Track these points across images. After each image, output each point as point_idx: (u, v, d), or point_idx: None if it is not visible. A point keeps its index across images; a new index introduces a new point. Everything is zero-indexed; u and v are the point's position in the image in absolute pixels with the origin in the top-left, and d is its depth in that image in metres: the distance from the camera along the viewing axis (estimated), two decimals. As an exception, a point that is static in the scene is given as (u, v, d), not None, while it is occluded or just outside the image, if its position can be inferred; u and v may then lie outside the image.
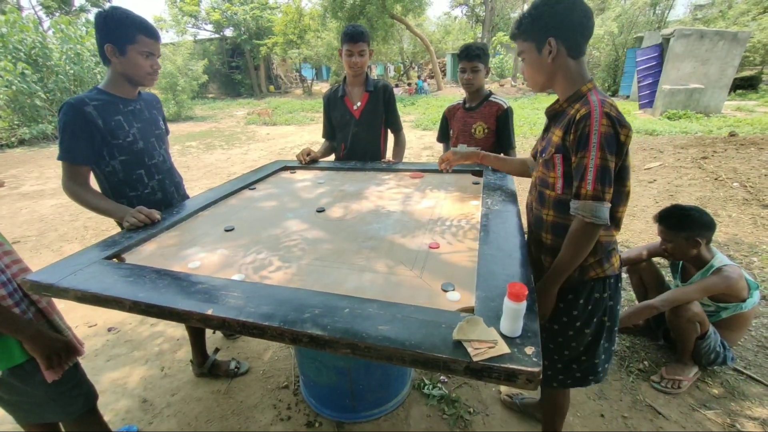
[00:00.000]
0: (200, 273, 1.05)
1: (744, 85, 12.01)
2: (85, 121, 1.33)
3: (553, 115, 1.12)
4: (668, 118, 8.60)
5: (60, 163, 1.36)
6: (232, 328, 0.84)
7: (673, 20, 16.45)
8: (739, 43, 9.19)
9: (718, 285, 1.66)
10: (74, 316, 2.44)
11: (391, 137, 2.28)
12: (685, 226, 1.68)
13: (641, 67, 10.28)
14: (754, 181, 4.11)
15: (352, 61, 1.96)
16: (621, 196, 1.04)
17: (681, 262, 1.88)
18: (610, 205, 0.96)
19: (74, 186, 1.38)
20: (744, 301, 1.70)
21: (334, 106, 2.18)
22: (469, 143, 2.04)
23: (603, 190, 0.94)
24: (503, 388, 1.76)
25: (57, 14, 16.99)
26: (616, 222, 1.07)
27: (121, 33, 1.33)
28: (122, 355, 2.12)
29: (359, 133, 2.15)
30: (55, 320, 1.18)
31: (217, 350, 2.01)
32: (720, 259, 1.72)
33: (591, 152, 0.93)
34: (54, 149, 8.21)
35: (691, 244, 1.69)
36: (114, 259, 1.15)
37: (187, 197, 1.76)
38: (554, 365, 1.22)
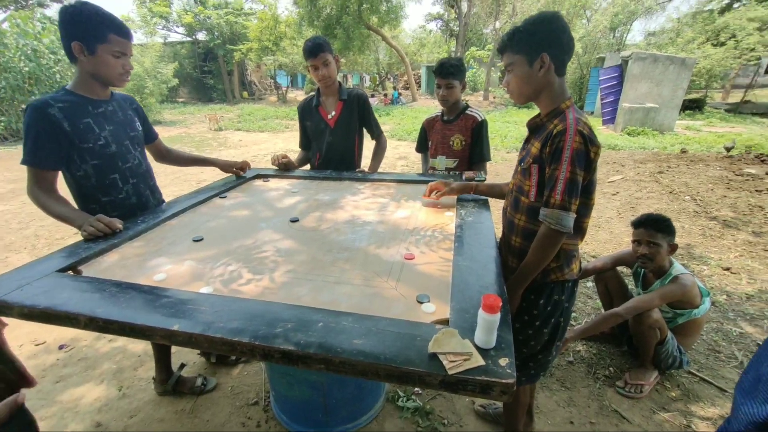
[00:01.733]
0: (166, 286, 1.00)
1: (692, 107, 13.03)
2: (50, 124, 1.26)
3: (535, 128, 1.19)
4: (628, 134, 9.17)
5: (24, 166, 1.29)
6: (200, 345, 0.80)
7: (631, 44, 17.66)
8: (687, 68, 10.00)
9: (675, 292, 1.76)
10: (19, 333, 2.25)
11: (367, 146, 2.29)
12: (671, 230, 1.80)
13: (604, 86, 10.94)
14: (702, 195, 4.44)
15: (319, 74, 1.96)
16: (586, 208, 1.12)
17: (642, 271, 1.98)
18: (575, 215, 1.04)
19: (38, 191, 1.31)
20: (697, 307, 1.82)
21: (308, 115, 2.17)
22: (448, 155, 2.08)
23: (570, 201, 1.02)
24: (477, 399, 1.78)
25: (11, 8, 15.98)
26: (581, 231, 1.16)
27: (91, 31, 1.25)
28: (74, 375, 1.97)
29: (334, 142, 2.14)
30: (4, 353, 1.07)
31: (182, 366, 1.90)
32: (677, 268, 1.83)
33: (563, 165, 1.01)
34: (4, 151, 7.65)
35: (671, 248, 1.81)
36: (69, 272, 1.07)
37: (164, 201, 1.70)
38: None
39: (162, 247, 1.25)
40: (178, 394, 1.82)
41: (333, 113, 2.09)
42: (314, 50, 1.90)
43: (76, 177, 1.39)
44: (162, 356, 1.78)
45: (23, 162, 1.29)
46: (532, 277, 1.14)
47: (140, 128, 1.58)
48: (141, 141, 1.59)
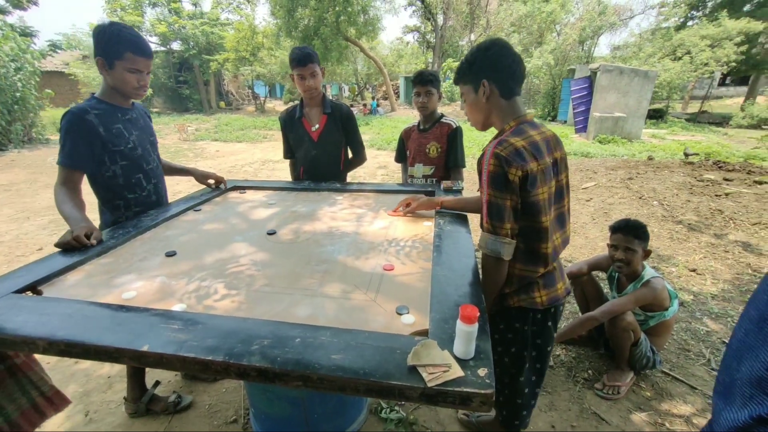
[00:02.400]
0: (136, 304, 0.95)
1: (655, 116, 13.78)
2: (87, 129, 1.41)
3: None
4: (600, 141, 9.57)
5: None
6: (172, 366, 0.77)
7: (599, 56, 18.54)
8: (650, 80, 10.59)
9: (647, 295, 1.83)
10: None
11: None
12: (646, 236, 1.86)
13: (575, 96, 11.41)
14: (669, 200, 4.66)
15: (305, 84, 1.93)
16: (536, 232, 1.07)
17: (617, 275, 2.05)
18: (510, 240, 1.02)
19: (62, 188, 1.42)
20: (667, 309, 1.89)
21: (291, 127, 2.13)
22: (425, 162, 2.12)
23: (494, 225, 1.02)
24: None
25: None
26: (539, 258, 1.10)
27: (110, 48, 1.40)
28: (37, 401, 1.84)
29: (318, 156, 2.11)
30: (23, 381, 1.05)
31: (157, 383, 1.81)
32: (649, 272, 1.90)
33: (483, 189, 1.03)
34: (-40, 164, 7.20)
35: (645, 253, 1.87)
36: (28, 293, 1.01)
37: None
38: None
39: (132, 263, 1.20)
40: (151, 414, 1.73)
41: (317, 126, 2.06)
42: (303, 60, 1.86)
43: (104, 177, 1.52)
44: (136, 373, 1.70)
45: (59, 162, 1.42)
46: (488, 299, 1.11)
47: (155, 134, 1.75)
48: (156, 146, 1.75)
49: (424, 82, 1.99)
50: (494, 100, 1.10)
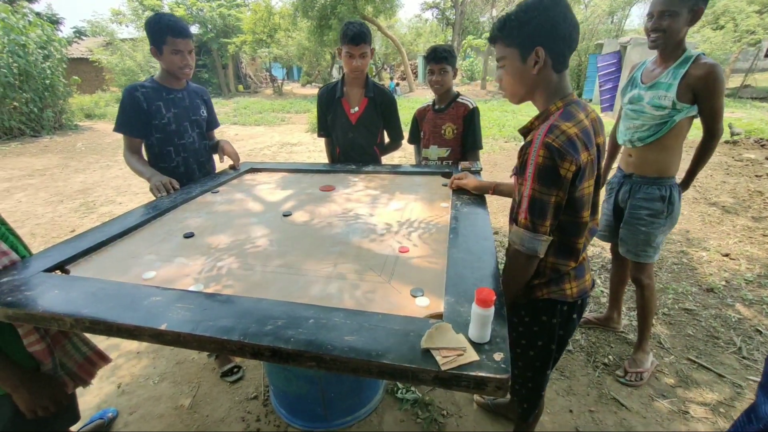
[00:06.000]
0: (155, 284, 0.98)
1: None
2: (135, 102, 1.65)
3: (526, 133, 1.02)
4: (626, 121, 9.08)
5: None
6: (188, 344, 0.79)
7: (630, 29, 17.41)
8: (687, 52, 9.85)
9: (718, 77, 1.39)
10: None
11: None
12: None
13: (602, 72, 10.80)
14: (701, 181, 4.41)
15: (353, 64, 1.86)
16: (576, 227, 0.98)
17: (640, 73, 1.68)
18: (547, 237, 0.93)
19: (126, 152, 1.73)
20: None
21: (330, 106, 2.08)
22: (440, 144, 2.05)
23: (534, 222, 0.91)
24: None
25: None
26: (572, 253, 1.02)
27: (156, 36, 1.60)
28: (73, 373, 1.96)
29: (355, 138, 2.08)
30: (74, 340, 1.18)
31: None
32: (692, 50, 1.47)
33: (527, 182, 0.90)
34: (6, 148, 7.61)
35: (693, 15, 1.40)
36: (57, 271, 1.05)
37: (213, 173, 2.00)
38: None
39: (152, 245, 1.23)
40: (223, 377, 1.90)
41: (356, 109, 2.02)
42: (356, 39, 1.78)
43: (147, 145, 1.78)
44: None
45: (115, 129, 1.70)
46: (509, 296, 1.03)
47: (204, 114, 1.91)
48: (201, 125, 1.90)
49: (437, 59, 1.89)
50: (546, 72, 0.92)
